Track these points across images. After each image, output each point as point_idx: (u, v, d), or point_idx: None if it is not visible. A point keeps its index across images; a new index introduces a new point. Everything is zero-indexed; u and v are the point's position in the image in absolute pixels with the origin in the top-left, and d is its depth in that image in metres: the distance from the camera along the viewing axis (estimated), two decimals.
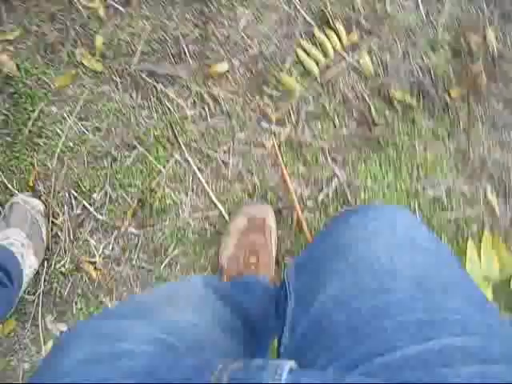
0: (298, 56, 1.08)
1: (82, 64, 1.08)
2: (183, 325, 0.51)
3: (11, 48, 1.09)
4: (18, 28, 1.08)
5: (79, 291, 1.07)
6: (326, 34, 1.08)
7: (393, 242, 0.48)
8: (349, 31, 1.08)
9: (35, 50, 1.08)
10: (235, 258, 0.94)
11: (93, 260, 1.07)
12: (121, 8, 1.08)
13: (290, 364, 0.35)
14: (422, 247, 0.48)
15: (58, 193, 1.06)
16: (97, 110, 1.08)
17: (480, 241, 1.07)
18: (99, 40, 1.08)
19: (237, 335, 0.60)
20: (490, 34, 1.07)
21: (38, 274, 1.05)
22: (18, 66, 1.08)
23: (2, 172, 1.07)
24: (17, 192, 1.06)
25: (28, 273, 0.99)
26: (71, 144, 1.07)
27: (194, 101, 1.08)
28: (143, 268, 1.07)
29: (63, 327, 1.06)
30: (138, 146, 1.06)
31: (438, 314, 0.38)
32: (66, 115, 1.08)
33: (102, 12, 1.08)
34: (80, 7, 1.08)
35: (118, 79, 1.08)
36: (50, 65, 1.08)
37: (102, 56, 1.08)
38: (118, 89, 1.08)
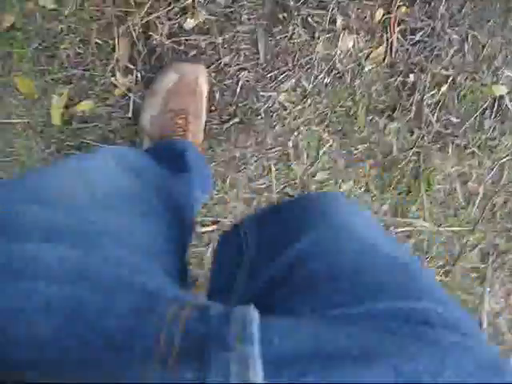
0: None
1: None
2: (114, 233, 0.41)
3: None
4: None
5: None
6: None
7: (368, 223, 0.52)
8: None
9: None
10: (160, 119, 0.80)
11: None
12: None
13: (255, 314, 0.30)
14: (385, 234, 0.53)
15: None
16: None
17: None
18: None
19: (166, 232, 0.51)
20: None
21: None
22: None
23: None
24: None
25: None
26: None
27: None
28: None
29: None
30: None
31: (415, 283, 0.40)
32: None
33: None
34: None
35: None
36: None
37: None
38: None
